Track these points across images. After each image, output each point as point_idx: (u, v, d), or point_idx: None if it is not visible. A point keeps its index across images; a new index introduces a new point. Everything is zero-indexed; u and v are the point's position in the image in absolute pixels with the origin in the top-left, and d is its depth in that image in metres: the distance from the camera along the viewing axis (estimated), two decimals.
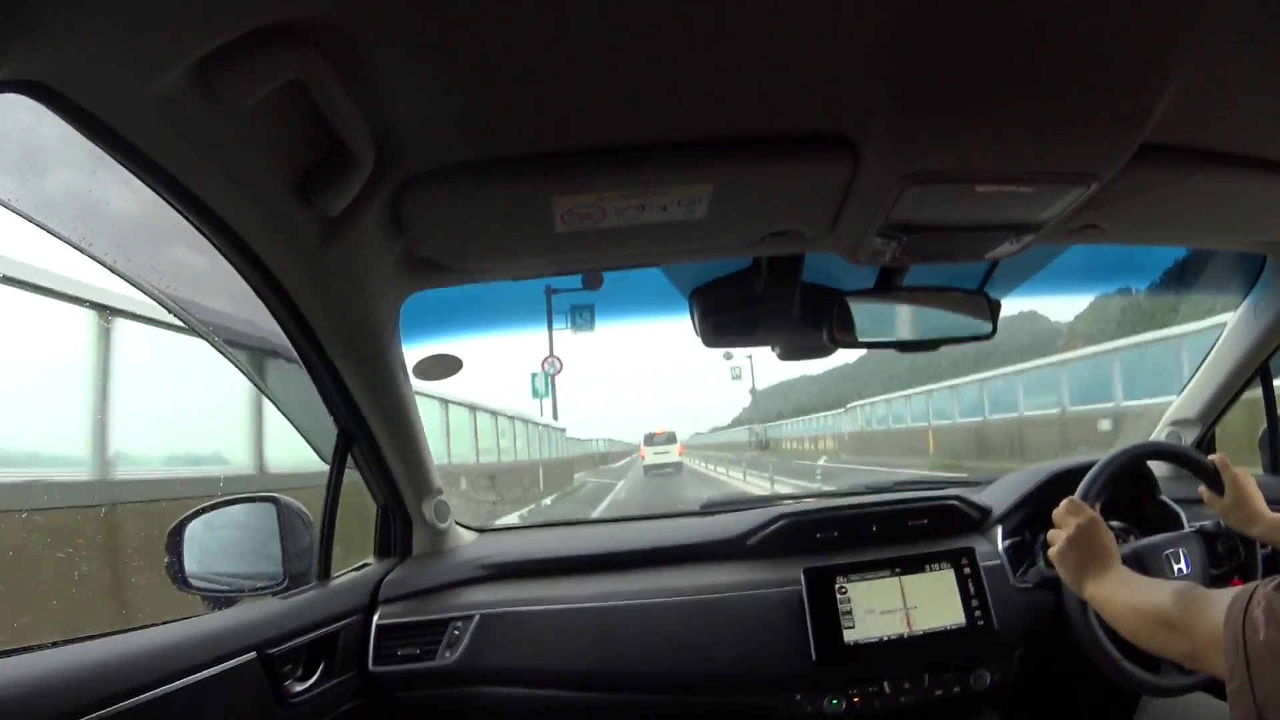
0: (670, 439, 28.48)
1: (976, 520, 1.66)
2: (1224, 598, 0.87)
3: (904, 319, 1.51)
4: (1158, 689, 1.30)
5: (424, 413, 1.52)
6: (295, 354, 1.27)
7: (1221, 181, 1.17)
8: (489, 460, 13.40)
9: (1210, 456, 1.40)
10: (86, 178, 0.86)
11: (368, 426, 1.42)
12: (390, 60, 0.78)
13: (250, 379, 1.38)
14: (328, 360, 1.28)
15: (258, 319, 1.19)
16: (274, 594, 1.32)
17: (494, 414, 13.86)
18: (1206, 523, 1.47)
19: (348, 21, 0.71)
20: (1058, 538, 1.22)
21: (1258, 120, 1.05)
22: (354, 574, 1.53)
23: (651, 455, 27.61)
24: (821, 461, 20.55)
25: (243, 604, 1.28)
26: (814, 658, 1.42)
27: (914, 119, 0.91)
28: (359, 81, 0.79)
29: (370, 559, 1.63)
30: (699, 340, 1.52)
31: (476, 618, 1.47)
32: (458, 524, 1.75)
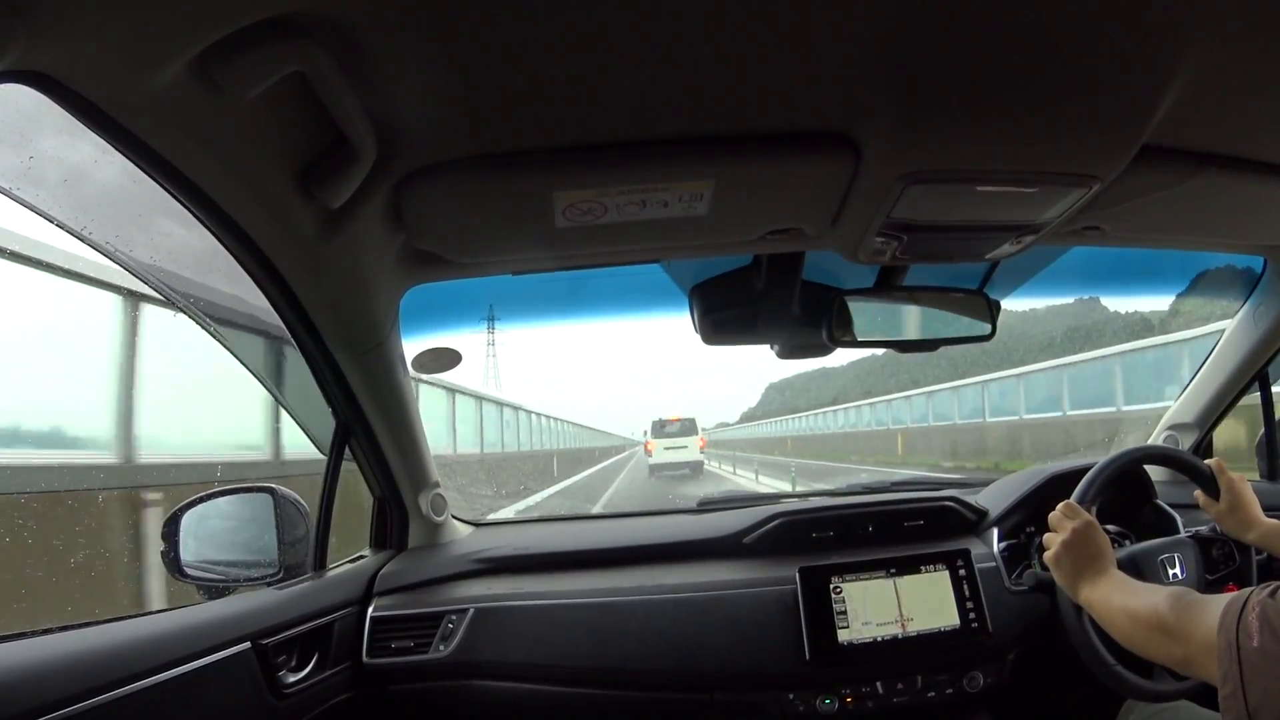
0: (687, 429, 21.51)
1: (972, 522, 1.67)
2: (1218, 604, 0.87)
3: (903, 319, 1.51)
4: (1150, 694, 1.31)
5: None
6: (295, 345, 1.27)
7: (1222, 184, 1.17)
8: None
9: (1207, 461, 1.40)
10: (87, 167, 0.86)
11: (366, 419, 1.43)
12: (392, 54, 0.78)
13: (249, 369, 1.38)
14: (327, 352, 1.28)
15: (257, 310, 1.19)
16: (269, 584, 1.32)
17: None
18: (1202, 528, 1.47)
19: (349, 14, 0.71)
20: (1053, 541, 1.22)
21: (1259, 123, 1.05)
22: (349, 565, 1.53)
23: (661, 451, 20.83)
24: None
25: (238, 594, 1.28)
26: (807, 657, 1.42)
27: (915, 118, 0.91)
28: (361, 75, 0.79)
29: (366, 551, 1.63)
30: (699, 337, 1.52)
31: (471, 611, 1.48)
32: (454, 518, 1.75)
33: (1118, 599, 1.08)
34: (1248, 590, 0.84)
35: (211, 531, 1.32)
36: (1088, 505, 1.30)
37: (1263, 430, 1.88)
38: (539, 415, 18.15)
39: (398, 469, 1.55)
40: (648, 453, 21.76)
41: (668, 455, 20.60)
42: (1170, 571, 1.38)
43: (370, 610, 1.47)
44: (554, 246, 1.22)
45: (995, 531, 1.62)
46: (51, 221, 0.94)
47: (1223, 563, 1.44)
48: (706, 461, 21.83)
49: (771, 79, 0.88)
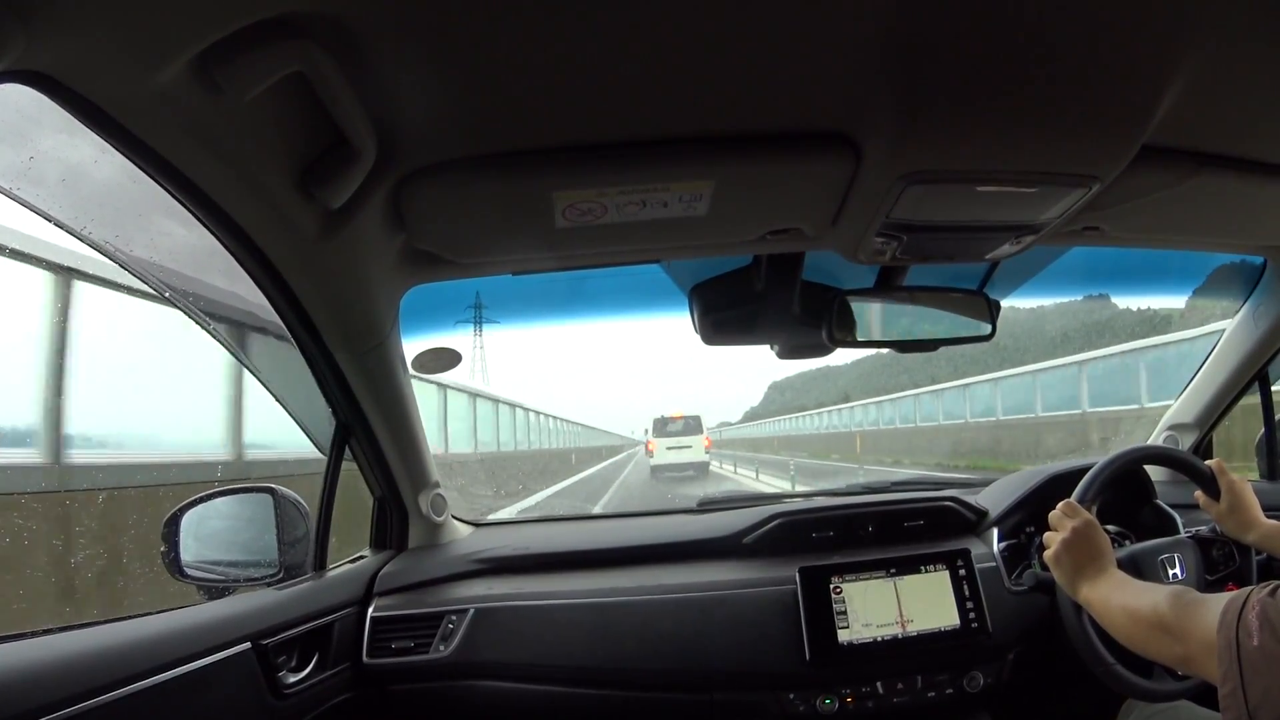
0: (691, 427, 19.84)
1: (973, 522, 1.67)
2: (1218, 603, 0.87)
3: (903, 318, 1.51)
4: (1150, 693, 1.31)
5: None
6: (295, 345, 1.27)
7: (1222, 184, 1.17)
8: None
9: (1207, 462, 1.40)
10: (87, 167, 0.86)
11: (366, 419, 1.43)
12: (392, 54, 0.78)
13: (249, 369, 1.38)
14: (327, 352, 1.28)
15: (257, 310, 1.19)
16: (269, 585, 1.32)
17: None
18: (1202, 528, 1.47)
19: (349, 15, 0.71)
20: (1053, 540, 1.22)
21: (1259, 123, 1.05)
22: (349, 566, 1.53)
23: (663, 451, 19.14)
24: None
25: (238, 594, 1.28)
26: (807, 657, 1.42)
27: (915, 118, 0.90)
28: (361, 75, 0.79)
29: (366, 551, 1.63)
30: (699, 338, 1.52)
31: (471, 611, 1.48)
32: (454, 518, 1.75)
33: (1117, 598, 1.08)
34: (1248, 589, 0.84)
35: (211, 532, 1.32)
36: (1088, 505, 1.30)
37: (1262, 430, 1.88)
38: (499, 403, 14.18)
39: (397, 469, 1.55)
40: (649, 453, 20.12)
41: (670, 456, 18.97)
42: (1170, 571, 1.38)
43: (370, 610, 1.47)
44: (554, 246, 1.22)
45: (995, 531, 1.61)
46: (51, 221, 0.94)
47: (1222, 563, 1.44)
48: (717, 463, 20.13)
49: (771, 79, 0.88)
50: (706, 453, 19.68)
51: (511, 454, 14.82)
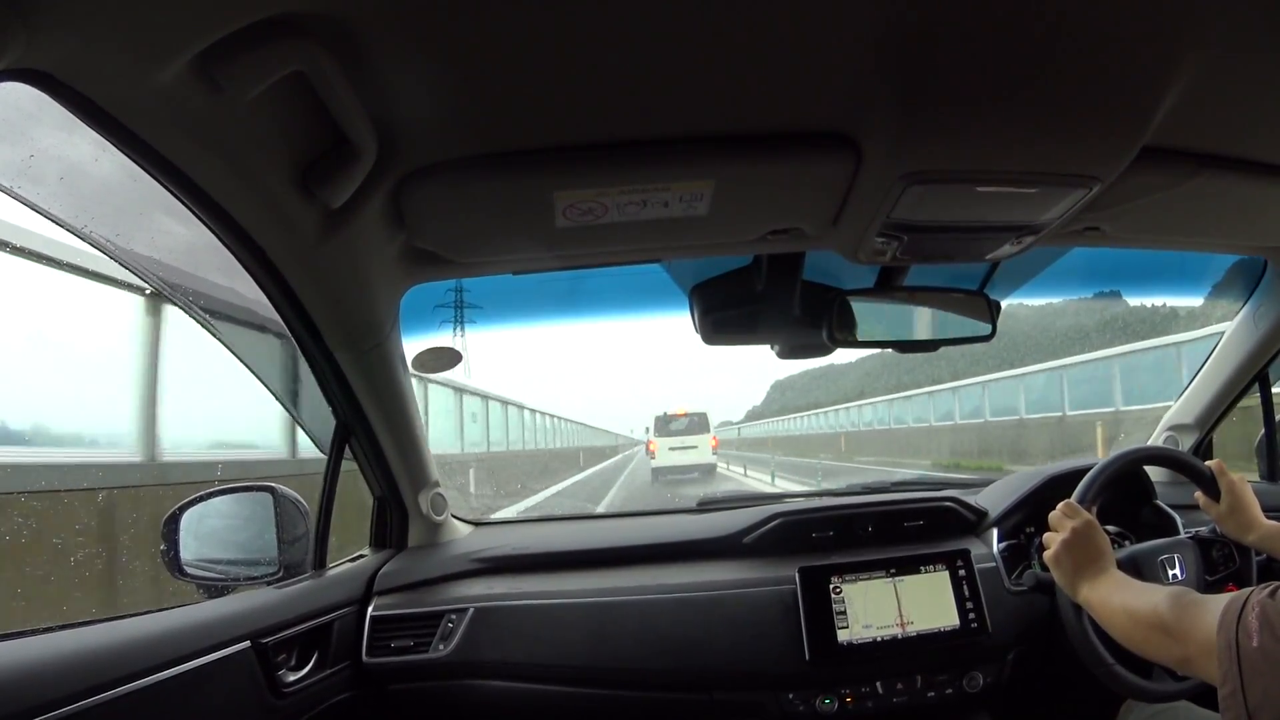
0: (696, 425, 18.19)
1: (972, 522, 1.67)
2: (1218, 604, 0.87)
3: (904, 319, 1.51)
4: (1150, 694, 1.31)
5: None
6: (295, 344, 1.27)
7: (1223, 185, 1.17)
8: None
9: (1207, 463, 1.40)
10: (87, 165, 0.86)
11: (366, 418, 1.43)
12: (393, 53, 0.78)
13: (249, 368, 1.38)
14: (327, 351, 1.28)
15: (257, 309, 1.19)
16: (269, 583, 1.33)
17: None
18: (1202, 529, 1.47)
19: (350, 14, 0.71)
20: (1053, 540, 1.22)
21: (1260, 124, 1.05)
22: (349, 565, 1.53)
23: (665, 452, 17.56)
24: None
25: (237, 593, 1.28)
26: (807, 657, 1.42)
27: (916, 119, 0.90)
28: (361, 74, 0.79)
29: (366, 550, 1.63)
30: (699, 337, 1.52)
31: (471, 611, 1.48)
32: (454, 517, 1.75)
33: (1117, 598, 1.08)
34: (1247, 590, 0.84)
35: (211, 530, 1.32)
36: (1088, 505, 1.30)
37: (1262, 431, 1.88)
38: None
39: (397, 468, 1.55)
40: (650, 454, 18.40)
41: (673, 457, 17.38)
42: (1170, 572, 1.38)
43: (370, 609, 1.47)
44: (554, 246, 1.22)
45: (995, 532, 1.61)
46: (51, 219, 0.94)
47: (1222, 564, 1.44)
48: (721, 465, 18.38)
49: (772, 79, 0.88)
50: (713, 453, 18.32)
51: None
